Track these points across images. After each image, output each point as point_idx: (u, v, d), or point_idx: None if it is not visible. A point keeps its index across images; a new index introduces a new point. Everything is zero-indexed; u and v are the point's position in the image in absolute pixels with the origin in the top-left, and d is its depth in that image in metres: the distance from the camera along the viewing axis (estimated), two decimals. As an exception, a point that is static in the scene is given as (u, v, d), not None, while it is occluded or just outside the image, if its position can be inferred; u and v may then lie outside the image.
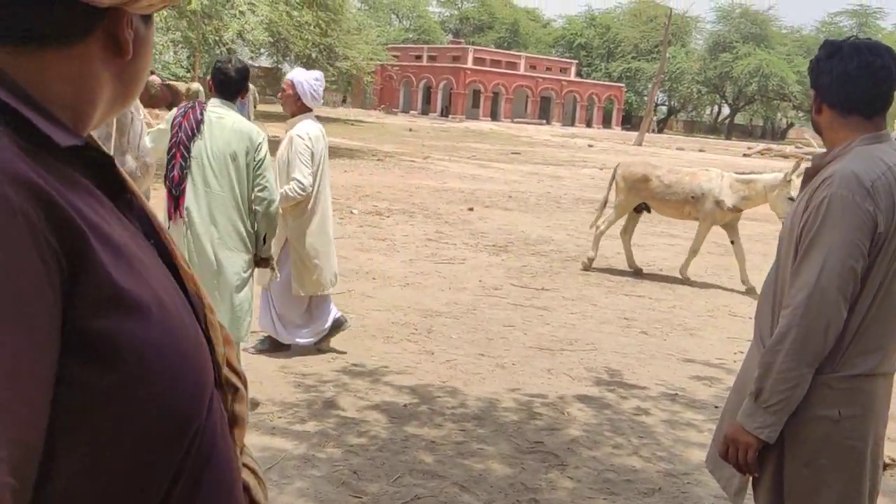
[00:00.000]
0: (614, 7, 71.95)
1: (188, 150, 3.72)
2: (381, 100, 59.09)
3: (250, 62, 39.76)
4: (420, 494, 3.22)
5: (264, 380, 4.37)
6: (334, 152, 19.79)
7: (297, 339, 4.85)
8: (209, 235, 3.74)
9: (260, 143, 3.82)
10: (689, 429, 4.24)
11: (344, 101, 59.00)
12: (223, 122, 3.77)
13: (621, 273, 8.14)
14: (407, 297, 6.42)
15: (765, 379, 1.92)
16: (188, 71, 23.45)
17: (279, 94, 4.71)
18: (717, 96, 69.85)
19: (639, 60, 65.85)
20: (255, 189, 3.80)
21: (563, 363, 5.13)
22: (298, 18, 19.48)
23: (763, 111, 69.44)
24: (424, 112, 57.98)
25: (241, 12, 15.49)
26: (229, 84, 3.84)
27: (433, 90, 58.20)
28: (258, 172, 3.80)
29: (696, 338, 6.00)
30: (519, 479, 3.44)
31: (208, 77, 4.04)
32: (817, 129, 2.11)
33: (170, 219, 3.78)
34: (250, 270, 3.90)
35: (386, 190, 13.29)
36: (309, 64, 29.56)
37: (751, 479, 2.11)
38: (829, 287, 1.85)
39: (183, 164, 3.72)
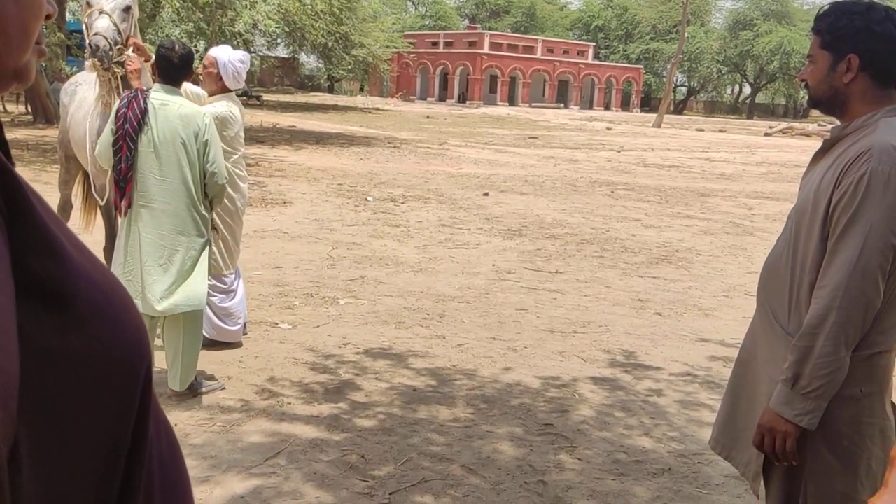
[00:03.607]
0: (632, -12, 71.08)
1: (134, 141, 3.69)
2: (398, 87, 59.02)
3: (267, 52, 39.78)
4: (427, 478, 3.22)
5: (276, 367, 4.39)
6: (351, 141, 19.84)
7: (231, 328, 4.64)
8: (162, 223, 3.72)
9: (207, 125, 3.80)
10: (702, 409, 4.20)
11: (361, 89, 59.00)
12: (167, 108, 3.73)
13: (636, 254, 8.08)
14: (420, 283, 6.41)
15: (803, 364, 1.83)
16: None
17: (201, 70, 4.56)
18: (738, 75, 68.97)
19: (657, 41, 65.15)
20: (206, 166, 3.79)
21: (575, 345, 5.10)
22: (312, 7, 19.44)
23: (785, 89, 68.38)
24: (442, 98, 57.83)
25: (254, 2, 15.49)
26: (172, 70, 3.80)
27: (450, 76, 58.01)
28: (207, 152, 3.79)
29: (711, 318, 5.94)
30: (527, 461, 3.42)
31: (151, 62, 4.00)
32: (834, 97, 1.94)
33: (115, 209, 3.77)
34: (205, 253, 3.88)
35: (401, 177, 13.29)
36: (325, 52, 29.59)
37: (762, 460, 2.06)
38: (870, 266, 1.78)
39: (129, 155, 3.70)
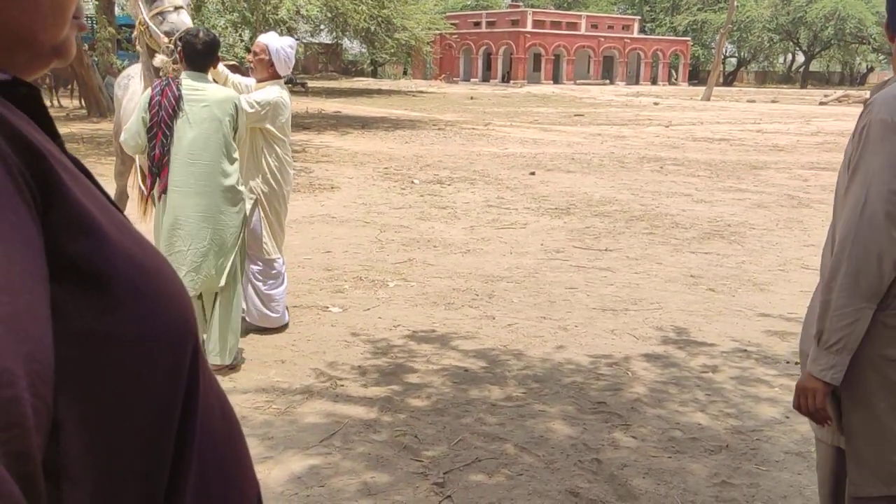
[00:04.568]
0: (677, -42, 69.34)
1: (170, 128, 3.77)
2: (441, 69, 58.81)
3: (310, 39, 39.94)
4: (481, 457, 3.23)
5: (328, 349, 4.44)
6: (396, 124, 19.87)
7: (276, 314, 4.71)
8: (198, 205, 3.83)
9: (239, 108, 3.93)
10: (759, 384, 4.12)
11: (405, 72, 58.97)
12: (201, 94, 3.82)
13: (686, 230, 7.94)
14: (468, 264, 6.41)
15: (824, 319, 1.85)
16: (248, 51, 23.77)
17: (250, 58, 4.58)
18: (791, 44, 66.97)
19: (705, 11, 63.56)
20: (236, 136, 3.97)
21: (627, 323, 5.05)
22: (353, -8, 19.47)
23: (840, 56, 66.23)
24: (485, 79, 57.48)
25: (295, -12, 15.61)
26: (197, 57, 3.86)
27: (493, 56, 57.58)
28: (237, 130, 3.98)
29: (766, 293, 5.81)
30: (581, 440, 3.41)
31: (178, 50, 4.00)
32: None
33: (145, 195, 3.87)
34: (244, 228, 4.04)
35: (447, 158, 13.27)
36: (368, 37, 29.62)
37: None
38: (876, 214, 1.76)
39: (164, 141, 3.78)
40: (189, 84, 3.83)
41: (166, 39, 4.07)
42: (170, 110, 3.75)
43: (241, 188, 4.00)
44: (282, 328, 4.73)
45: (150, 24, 4.15)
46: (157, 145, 3.78)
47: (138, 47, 4.30)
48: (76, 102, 21.74)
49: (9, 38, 0.59)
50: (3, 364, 0.46)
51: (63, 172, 0.56)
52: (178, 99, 3.77)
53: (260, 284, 4.59)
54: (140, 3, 4.21)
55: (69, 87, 22.94)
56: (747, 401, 3.89)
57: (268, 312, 4.64)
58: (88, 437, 0.55)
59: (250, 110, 4.21)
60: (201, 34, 3.86)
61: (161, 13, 4.15)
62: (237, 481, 0.70)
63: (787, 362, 4.41)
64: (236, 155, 3.99)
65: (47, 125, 0.60)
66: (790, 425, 3.59)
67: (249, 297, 4.56)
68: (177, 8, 4.18)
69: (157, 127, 3.77)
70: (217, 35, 4.04)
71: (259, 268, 4.60)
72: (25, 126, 0.55)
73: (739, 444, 3.42)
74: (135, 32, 4.29)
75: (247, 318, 4.57)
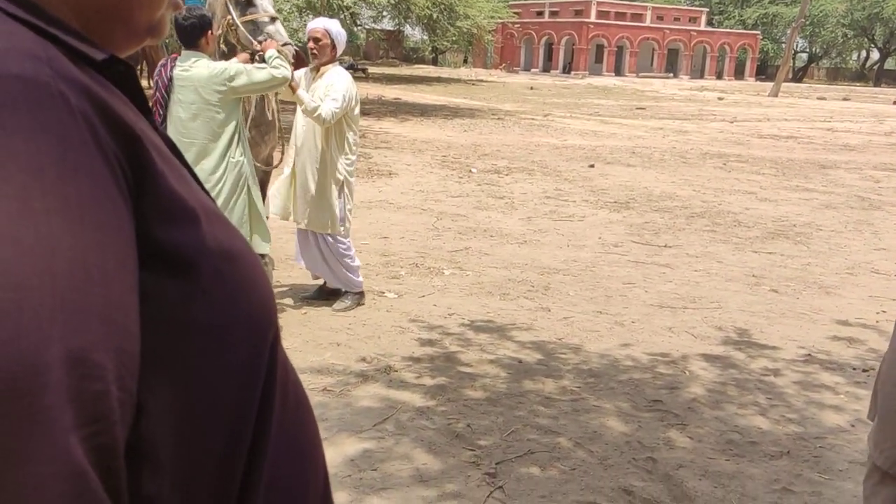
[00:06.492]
0: (749, -51, 67.45)
1: (165, 105, 3.95)
2: (502, 58, 58.48)
3: (372, 25, 40.08)
4: (533, 449, 3.21)
5: (383, 335, 4.46)
6: (455, 112, 19.85)
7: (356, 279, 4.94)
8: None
9: (229, 73, 3.92)
10: (823, 391, 4.00)
11: (465, 61, 58.82)
12: (187, 73, 3.94)
13: (749, 229, 7.73)
14: (524, 255, 6.37)
15: None
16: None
17: (311, 43, 4.59)
18: (866, 40, 64.58)
19: (777, 5, 61.73)
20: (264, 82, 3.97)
21: (685, 321, 4.94)
22: (418, -21, 19.46)
23: (918, 54, 63.54)
24: (546, 69, 56.94)
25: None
26: (181, 33, 3.96)
27: (555, 47, 56.97)
28: (242, 84, 3.93)
29: (833, 296, 5.63)
30: (636, 437, 3.35)
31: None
32: None
33: None
34: (244, 197, 4.14)
35: (505, 148, 13.19)
36: (430, 24, 29.62)
37: None
38: None
39: (161, 118, 3.97)
40: (179, 65, 3.98)
41: (258, 46, 4.16)
42: (163, 90, 3.94)
43: (240, 158, 4.06)
44: (345, 311, 4.79)
45: (241, 27, 4.23)
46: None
47: (221, 45, 4.36)
48: (145, 83, 22.33)
49: (108, 16, 0.60)
50: (95, 357, 0.46)
51: (156, 156, 0.56)
52: (171, 80, 3.94)
53: (349, 261, 4.83)
54: (230, 5, 4.25)
55: (139, 67, 23.54)
56: (810, 407, 3.78)
57: (355, 279, 4.90)
58: (171, 422, 0.55)
59: (343, 105, 4.42)
60: (184, 12, 3.99)
61: (254, 21, 4.22)
62: (308, 466, 0.70)
63: (854, 369, 4.26)
64: (227, 135, 4.01)
65: (141, 101, 0.61)
66: (855, 434, 3.47)
67: (336, 272, 4.83)
68: (273, 18, 4.24)
69: (155, 106, 3.95)
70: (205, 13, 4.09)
71: (345, 245, 4.84)
72: (121, 107, 0.55)
73: (801, 450, 3.32)
74: (219, 30, 4.31)
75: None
